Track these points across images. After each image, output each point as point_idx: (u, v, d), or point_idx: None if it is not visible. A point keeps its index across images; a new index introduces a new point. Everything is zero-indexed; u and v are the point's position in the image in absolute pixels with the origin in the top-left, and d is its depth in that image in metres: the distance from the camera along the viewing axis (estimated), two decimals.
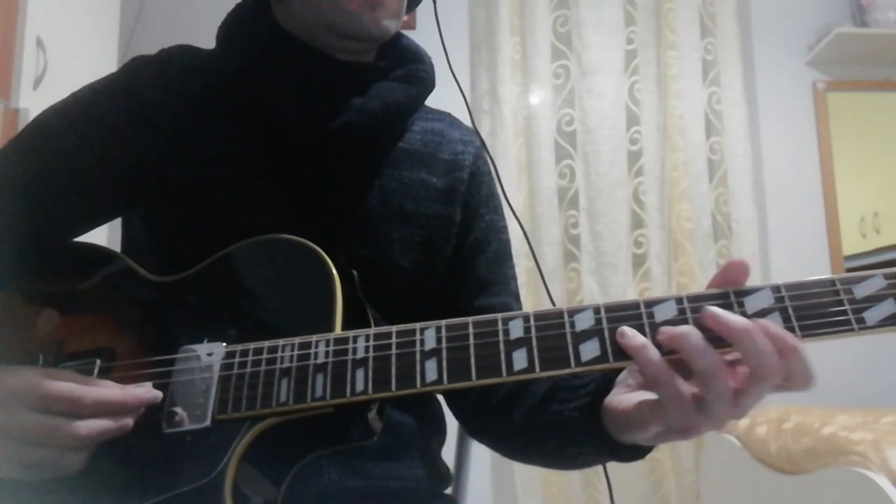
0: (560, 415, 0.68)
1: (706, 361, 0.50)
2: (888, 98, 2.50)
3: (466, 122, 0.91)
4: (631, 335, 0.52)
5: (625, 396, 0.60)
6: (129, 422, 0.56)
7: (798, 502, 1.49)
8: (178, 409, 0.58)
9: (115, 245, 0.79)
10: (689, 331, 0.51)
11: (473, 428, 0.85)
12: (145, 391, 0.58)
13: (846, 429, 1.44)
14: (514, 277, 0.88)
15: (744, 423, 1.75)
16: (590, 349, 0.54)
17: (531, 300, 2.19)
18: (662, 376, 0.51)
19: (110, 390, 0.56)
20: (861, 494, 1.29)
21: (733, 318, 0.50)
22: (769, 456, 1.60)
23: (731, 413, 0.51)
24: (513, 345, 0.54)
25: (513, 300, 0.85)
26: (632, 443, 0.60)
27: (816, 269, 2.35)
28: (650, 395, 0.56)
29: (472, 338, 0.55)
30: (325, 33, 0.76)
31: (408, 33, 0.87)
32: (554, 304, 0.63)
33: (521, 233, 0.91)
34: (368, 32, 0.75)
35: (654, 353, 0.51)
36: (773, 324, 0.50)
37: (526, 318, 0.56)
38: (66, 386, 0.55)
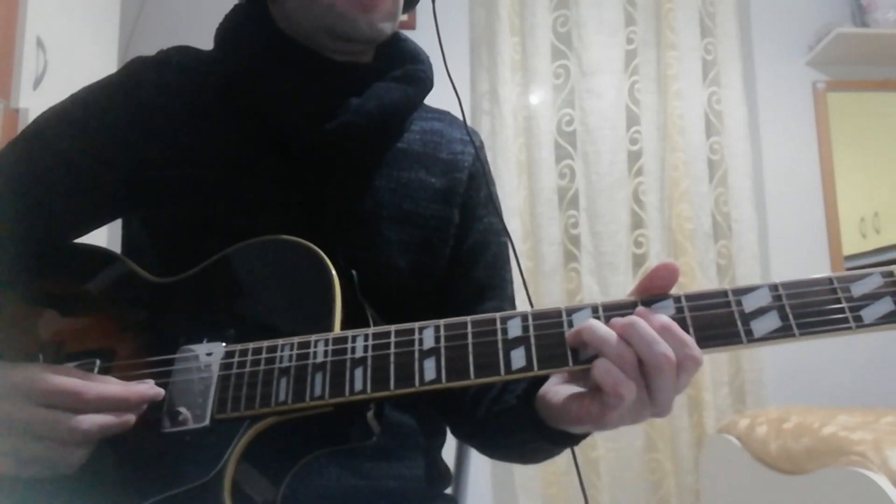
0: (506, 404, 0.71)
1: (659, 349, 0.51)
2: (888, 98, 2.50)
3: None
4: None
5: (557, 388, 0.61)
6: (130, 418, 0.56)
7: (798, 502, 1.49)
8: (178, 409, 0.58)
9: (116, 246, 0.79)
10: (638, 320, 0.52)
11: (453, 428, 0.86)
12: (147, 388, 0.58)
13: (846, 429, 1.44)
14: (511, 281, 0.88)
15: (744, 423, 1.74)
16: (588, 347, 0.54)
17: (533, 300, 2.18)
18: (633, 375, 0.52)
19: (112, 386, 0.56)
20: (861, 494, 1.28)
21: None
22: (769, 456, 1.60)
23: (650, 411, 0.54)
24: (511, 343, 0.55)
25: (508, 305, 0.86)
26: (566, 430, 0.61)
27: (816, 269, 2.35)
28: (579, 390, 0.57)
29: (470, 337, 0.56)
30: (320, 35, 0.76)
31: (407, 33, 0.87)
32: (532, 306, 0.64)
33: (517, 232, 0.91)
34: (363, 34, 0.75)
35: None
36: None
37: (524, 317, 0.56)
38: (69, 381, 0.55)
